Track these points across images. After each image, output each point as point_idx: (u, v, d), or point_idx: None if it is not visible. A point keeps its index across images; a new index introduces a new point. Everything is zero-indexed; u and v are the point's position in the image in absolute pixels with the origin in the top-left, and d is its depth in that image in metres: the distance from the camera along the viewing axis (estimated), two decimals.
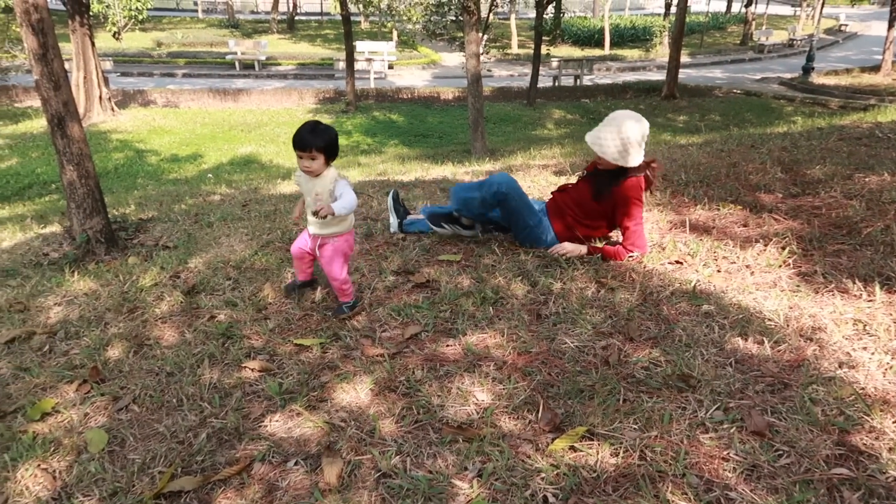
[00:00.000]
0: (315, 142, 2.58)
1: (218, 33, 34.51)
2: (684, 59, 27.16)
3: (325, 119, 19.59)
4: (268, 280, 3.36)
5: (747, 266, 3.13)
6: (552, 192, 3.66)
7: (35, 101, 20.64)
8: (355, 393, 2.34)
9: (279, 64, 27.98)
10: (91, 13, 17.80)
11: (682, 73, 23.90)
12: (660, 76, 25.69)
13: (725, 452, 1.89)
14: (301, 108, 20.89)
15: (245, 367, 2.56)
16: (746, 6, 36.02)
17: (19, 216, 7.52)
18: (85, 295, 3.38)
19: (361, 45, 25.49)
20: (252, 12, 46.41)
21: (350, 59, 19.58)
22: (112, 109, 17.94)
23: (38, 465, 2.10)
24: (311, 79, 26.01)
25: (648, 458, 1.89)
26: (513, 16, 35.64)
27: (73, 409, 2.40)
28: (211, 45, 30.98)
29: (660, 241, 3.51)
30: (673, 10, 28.62)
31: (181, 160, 14.25)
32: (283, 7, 40.55)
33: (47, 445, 2.19)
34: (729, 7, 46.23)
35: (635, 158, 3.18)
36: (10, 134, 17.63)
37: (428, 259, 3.48)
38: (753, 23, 36.00)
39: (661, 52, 32.64)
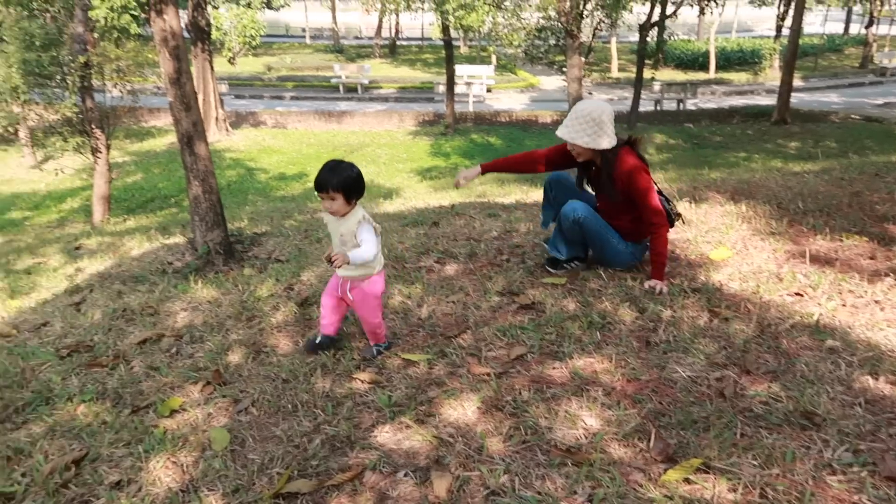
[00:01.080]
0: (332, 182, 2.48)
1: (324, 58, 36.10)
2: (797, 82, 25.92)
3: (424, 141, 20.02)
4: None
5: (876, 301, 2.95)
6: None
7: (158, 121, 22.28)
8: (462, 410, 2.37)
9: (381, 87, 28.88)
10: (210, 40, 19.05)
11: (795, 98, 22.83)
12: (769, 100, 24.64)
13: (857, 497, 1.78)
14: (401, 130, 21.43)
15: (356, 378, 2.65)
16: (867, 27, 34.02)
17: (144, 227, 8.11)
18: (208, 302, 3.60)
19: (461, 69, 25.95)
20: (356, 38, 48.24)
21: (450, 83, 19.96)
22: (226, 130, 19.08)
23: (168, 458, 2.25)
24: (411, 102, 26.68)
25: (770, 497, 1.81)
26: (613, 39, 35.28)
27: (198, 409, 2.56)
28: (317, 70, 32.42)
29: (777, 272, 3.36)
30: (785, 31, 27.44)
31: (288, 178, 14.93)
32: (385, 32, 41.90)
33: (176, 440, 2.34)
34: (846, 29, 43.85)
35: (607, 140, 3.19)
36: (136, 151, 19.10)
37: (532, 281, 3.48)
38: (874, 44, 33.94)
39: (771, 76, 31.32)
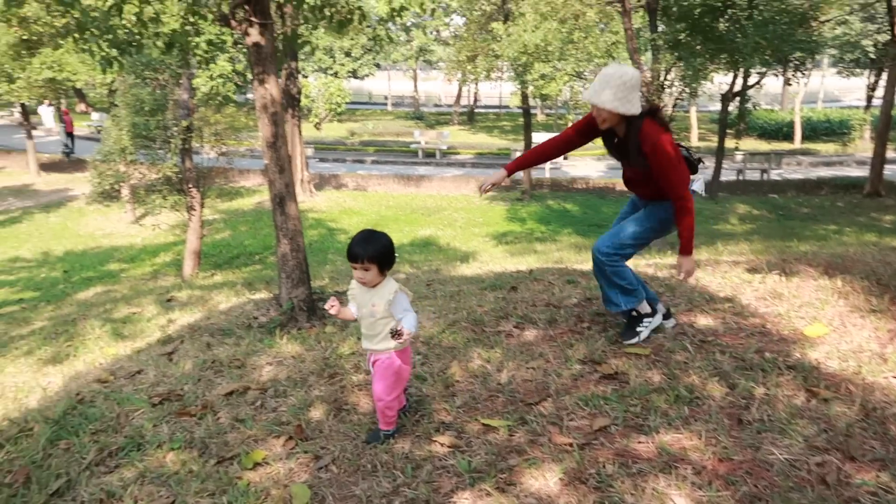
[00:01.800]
0: (366, 252, 2.46)
1: (404, 124, 37.39)
2: (891, 153, 24.87)
3: (501, 206, 20.20)
4: (455, 358, 3.46)
5: None
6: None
7: (247, 182, 23.45)
8: (544, 480, 2.31)
9: (458, 153, 29.55)
10: (299, 106, 20.12)
11: (888, 169, 21.87)
12: (860, 172, 23.70)
13: None
14: (477, 195, 21.73)
15: (435, 440, 2.63)
16: None
17: (231, 282, 8.45)
18: (291, 357, 3.69)
19: (538, 137, 26.25)
20: (435, 105, 49.83)
21: (528, 149, 20.22)
22: (311, 191, 19.88)
23: None
24: (487, 167, 27.12)
25: None
26: (693, 109, 35.04)
27: (280, 463, 2.60)
28: (397, 135, 33.57)
29: (880, 352, 3.17)
30: (876, 102, 26.56)
31: None
32: (464, 100, 43.11)
33: (259, 494, 2.38)
34: None
35: (634, 105, 3.04)
36: (225, 210, 20.09)
37: (615, 350, 3.41)
38: None
39: (862, 147, 30.20)
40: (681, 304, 4.06)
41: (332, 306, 2.55)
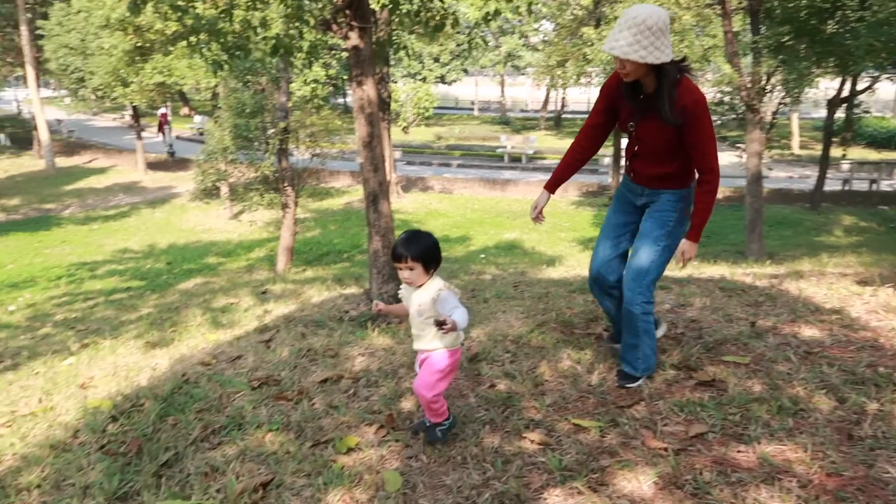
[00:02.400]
0: (409, 251, 2.41)
1: (490, 129, 37.45)
2: None
3: (587, 211, 19.91)
4: (544, 358, 3.45)
5: None
6: (629, 168, 3.11)
7: (337, 183, 24.14)
8: (637, 483, 2.27)
9: (545, 158, 29.31)
10: (389, 111, 20.54)
11: None
12: None
13: None
14: (564, 200, 21.51)
15: (525, 437, 2.63)
16: None
17: (321, 277, 8.73)
18: (383, 350, 3.78)
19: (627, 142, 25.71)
20: (522, 110, 49.62)
21: (616, 155, 19.84)
22: (398, 193, 20.24)
23: (345, 493, 2.36)
24: None
25: None
26: (795, 115, 33.35)
27: (371, 449, 2.66)
28: (483, 140, 33.66)
29: None
30: None
31: (452, 241, 15.44)
32: (551, 106, 42.75)
33: (352, 477, 2.45)
34: None
35: (665, 51, 2.57)
36: (316, 209, 20.76)
37: (711, 357, 3.30)
38: None
39: None
40: (783, 315, 3.88)
41: (376, 305, 2.61)
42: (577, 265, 8.57)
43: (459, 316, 2.38)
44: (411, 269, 2.43)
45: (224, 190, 17.66)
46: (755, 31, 13.11)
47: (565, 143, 34.24)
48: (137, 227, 18.97)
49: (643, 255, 2.94)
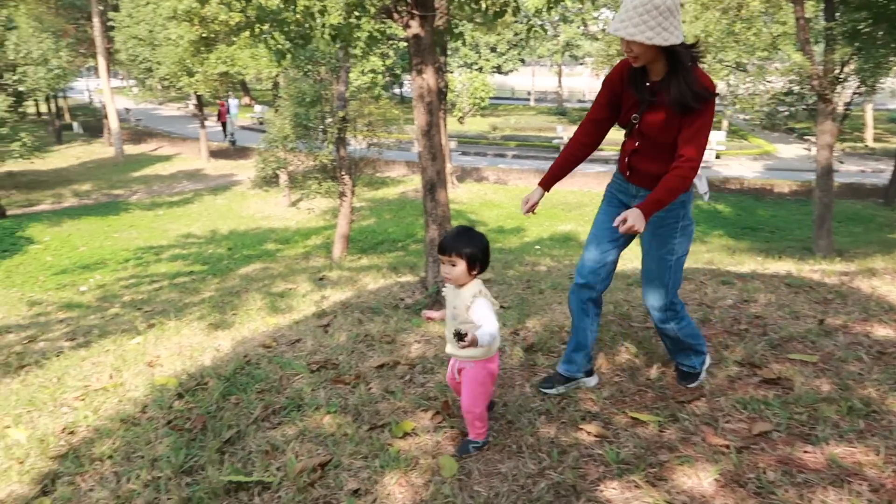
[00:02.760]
0: (456, 246, 2.32)
1: (546, 120, 37.07)
2: None
3: None
4: (601, 350, 3.40)
5: None
6: (624, 165, 2.80)
7: (392, 172, 24.32)
8: (697, 479, 2.22)
9: (602, 149, 28.77)
10: (445, 100, 20.56)
11: None
12: None
13: None
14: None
15: (581, 428, 2.61)
16: None
17: (376, 265, 8.83)
18: (439, 337, 3.80)
19: None
20: (579, 101, 48.90)
21: None
22: (453, 182, 20.26)
23: (401, 477, 2.39)
24: None
25: None
26: (869, 106, 31.86)
27: (427, 435, 2.68)
28: (539, 131, 33.34)
29: None
30: None
31: (506, 232, 15.40)
32: None
33: (408, 461, 2.48)
34: None
35: (675, 33, 2.36)
36: (371, 198, 20.98)
37: (776, 355, 3.20)
38: None
39: None
40: (854, 313, 3.73)
41: (425, 314, 2.57)
42: (634, 258, 8.42)
43: (482, 332, 2.24)
44: (454, 265, 2.33)
45: (283, 178, 18.02)
46: (829, 18, 12.55)
47: (623, 135, 33.88)
48: (200, 213, 19.56)
49: (655, 275, 2.76)
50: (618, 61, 2.76)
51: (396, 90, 39.95)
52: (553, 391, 2.91)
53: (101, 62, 27.96)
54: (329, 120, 12.15)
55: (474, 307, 2.31)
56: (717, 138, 26.35)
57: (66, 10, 32.55)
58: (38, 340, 6.76)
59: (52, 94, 29.81)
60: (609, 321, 3.89)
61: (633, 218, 2.43)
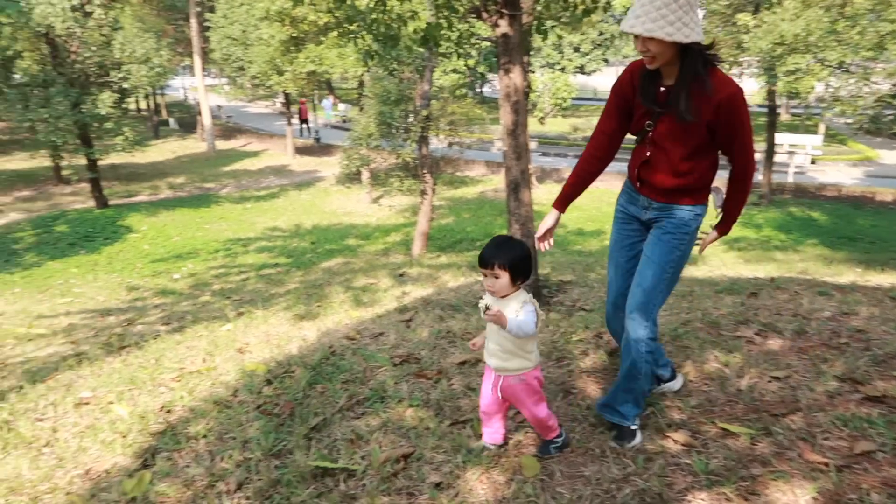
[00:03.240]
0: (498, 258, 2.23)
1: None
2: None
3: None
4: (688, 357, 3.31)
5: None
6: (634, 176, 2.63)
7: (472, 172, 24.39)
8: (793, 496, 2.13)
9: None
10: (527, 100, 20.45)
11: None
12: None
13: None
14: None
15: (668, 436, 2.55)
16: None
17: (455, 263, 8.88)
18: None
19: (781, 137, 23.91)
20: None
21: (769, 151, 18.55)
22: (533, 183, 20.14)
23: (483, 473, 2.40)
24: (721, 169, 25.22)
25: None
26: None
27: (509, 434, 2.68)
28: None
29: None
30: None
31: (586, 234, 15.16)
32: None
33: (490, 459, 2.49)
34: None
35: (695, 29, 2.18)
36: (450, 197, 21.10)
37: (880, 371, 3.02)
38: None
39: None
40: None
41: (473, 344, 2.51)
42: (723, 265, 8.13)
43: (520, 319, 2.21)
44: (497, 278, 2.25)
45: (365, 175, 18.38)
46: None
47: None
48: (285, 207, 20.21)
49: (649, 283, 2.53)
50: None
51: (478, 90, 40.03)
52: (636, 441, 2.58)
53: (197, 61, 29.35)
54: (412, 119, 12.31)
55: (523, 312, 2.25)
56: (812, 142, 25.05)
57: (166, 12, 34.36)
58: (136, 323, 7.16)
59: (152, 91, 31.49)
60: (697, 328, 3.78)
61: (712, 242, 2.62)
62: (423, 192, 12.35)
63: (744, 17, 16.79)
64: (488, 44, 8.52)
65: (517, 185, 5.04)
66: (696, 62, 2.25)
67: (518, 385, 2.37)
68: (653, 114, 2.43)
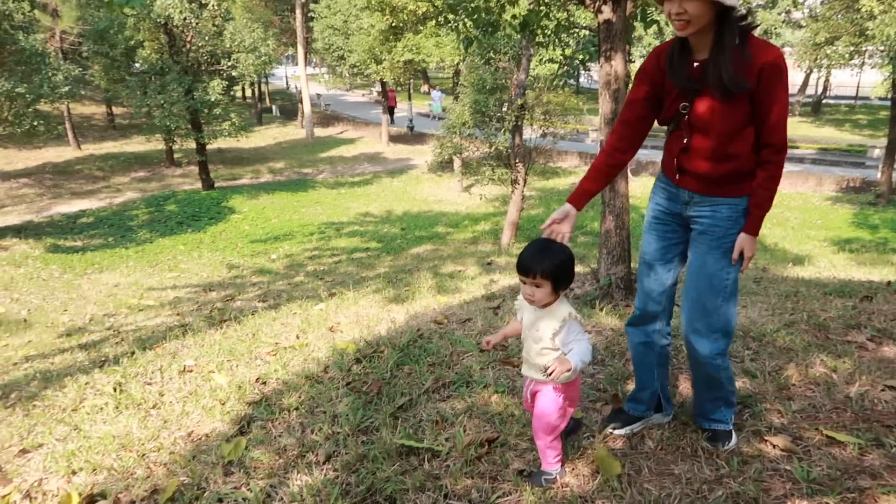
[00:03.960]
0: (540, 265, 2.05)
1: None
2: None
3: (846, 209, 17.65)
4: (791, 360, 3.13)
5: None
6: (671, 168, 2.34)
7: (564, 163, 24.03)
8: None
9: (798, 147, 26.40)
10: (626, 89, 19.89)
11: None
12: None
13: None
14: (817, 195, 19.27)
15: (766, 440, 2.42)
16: None
17: None
18: (610, 329, 3.71)
19: None
20: None
21: (891, 148, 17.22)
22: (628, 175, 19.61)
23: (568, 465, 2.36)
24: (832, 165, 23.80)
25: None
26: None
27: (595, 426, 2.63)
28: None
29: None
30: None
31: None
32: (810, 90, 38.31)
33: (576, 450, 2.45)
34: None
35: None
36: (541, 188, 20.90)
37: None
38: None
39: None
40: None
41: (486, 342, 2.34)
42: (832, 266, 7.64)
43: (577, 355, 2.07)
44: (537, 286, 2.08)
45: (457, 164, 18.48)
46: None
47: (825, 132, 30.58)
48: (377, 193, 20.64)
49: (711, 301, 2.29)
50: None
51: (574, 81, 39.30)
52: (621, 431, 2.56)
53: (300, 51, 30.35)
54: (506, 108, 12.25)
55: (567, 331, 2.10)
56: None
57: (273, 3, 35.70)
58: (235, 299, 7.53)
59: (257, 79, 32.85)
60: (801, 330, 3.57)
61: (748, 246, 2.23)
62: (514, 182, 12.28)
63: (868, 3, 15.62)
64: (587, 33, 8.33)
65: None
66: (733, 28, 2.05)
67: (544, 394, 2.19)
68: (688, 94, 2.20)
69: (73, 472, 2.62)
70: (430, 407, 2.89)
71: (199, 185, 20.84)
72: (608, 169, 2.43)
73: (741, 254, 2.25)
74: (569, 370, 2.02)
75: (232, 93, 23.35)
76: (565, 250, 2.12)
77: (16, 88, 14.74)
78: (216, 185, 21.14)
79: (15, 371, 4.32)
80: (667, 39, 2.27)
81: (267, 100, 41.74)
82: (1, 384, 3.90)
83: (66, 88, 17.44)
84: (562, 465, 2.28)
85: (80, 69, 23.52)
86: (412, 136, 30.32)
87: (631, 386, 2.87)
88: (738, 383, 2.90)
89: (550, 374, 2.01)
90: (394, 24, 21.70)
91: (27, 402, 3.46)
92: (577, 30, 7.72)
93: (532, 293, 2.09)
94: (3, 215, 17.57)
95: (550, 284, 2.06)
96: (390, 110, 32.14)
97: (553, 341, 2.11)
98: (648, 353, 2.56)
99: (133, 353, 4.32)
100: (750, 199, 2.23)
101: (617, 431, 2.57)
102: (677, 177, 2.33)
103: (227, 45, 19.94)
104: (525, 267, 2.07)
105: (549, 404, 2.16)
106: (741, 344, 3.36)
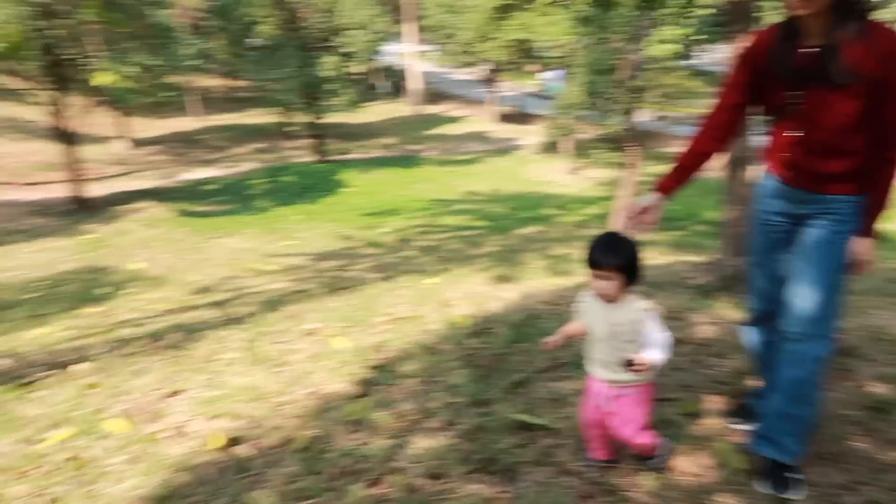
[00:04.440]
0: (612, 259, 1.99)
1: None
2: None
3: None
4: None
5: None
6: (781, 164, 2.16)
7: (675, 148, 23.09)
8: None
9: None
10: None
11: None
12: None
13: None
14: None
15: None
16: None
17: (655, 242, 8.58)
18: (730, 322, 3.60)
19: None
20: None
21: None
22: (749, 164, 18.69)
23: (688, 454, 2.35)
24: None
25: None
26: None
27: (716, 419, 2.59)
28: None
29: None
30: None
31: None
32: None
33: (697, 440, 2.43)
34: None
35: None
36: (652, 173, 20.18)
37: None
38: None
39: None
40: None
41: (545, 342, 2.23)
42: None
43: (659, 349, 2.02)
44: (608, 280, 2.02)
45: (567, 145, 18.23)
46: None
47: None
48: (484, 172, 20.71)
49: (817, 292, 2.11)
50: None
51: (690, 62, 37.61)
52: (744, 427, 2.48)
53: (410, 28, 30.71)
54: (621, 89, 11.94)
55: (647, 324, 2.05)
56: None
57: None
58: (349, 269, 7.83)
59: (367, 56, 33.58)
60: None
61: (866, 250, 2.08)
62: (626, 165, 11.99)
63: None
64: (704, 12, 7.97)
65: (738, 164, 4.73)
66: (853, 8, 1.89)
67: (629, 398, 2.13)
68: (795, 83, 2.03)
69: (214, 417, 2.87)
70: (543, 385, 2.93)
71: (312, 157, 21.69)
72: (703, 157, 2.29)
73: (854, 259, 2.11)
74: (654, 364, 2.00)
75: (345, 68, 24.03)
76: (632, 244, 2.06)
77: (151, 60, 15.84)
78: (328, 158, 21.91)
79: (160, 321, 4.72)
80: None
81: (376, 76, 42.60)
82: (150, 331, 4.28)
83: (197, 61, 18.56)
84: (663, 442, 2.26)
85: (205, 42, 24.91)
86: (519, 116, 30.10)
87: (751, 381, 2.80)
88: (875, 388, 2.77)
89: (638, 369, 1.99)
90: (504, 3, 21.54)
91: (173, 351, 3.79)
92: (703, 7, 7.40)
93: (604, 287, 2.04)
94: (138, 179, 19.04)
95: (622, 277, 2.02)
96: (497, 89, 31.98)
97: (634, 334, 2.06)
98: (769, 351, 2.45)
99: (260, 313, 4.61)
100: (867, 199, 2.07)
101: (740, 427, 2.52)
102: (786, 173, 2.19)
103: (339, 22, 20.50)
104: (596, 260, 2.03)
105: (637, 406, 2.13)
106: (878, 347, 3.19)
